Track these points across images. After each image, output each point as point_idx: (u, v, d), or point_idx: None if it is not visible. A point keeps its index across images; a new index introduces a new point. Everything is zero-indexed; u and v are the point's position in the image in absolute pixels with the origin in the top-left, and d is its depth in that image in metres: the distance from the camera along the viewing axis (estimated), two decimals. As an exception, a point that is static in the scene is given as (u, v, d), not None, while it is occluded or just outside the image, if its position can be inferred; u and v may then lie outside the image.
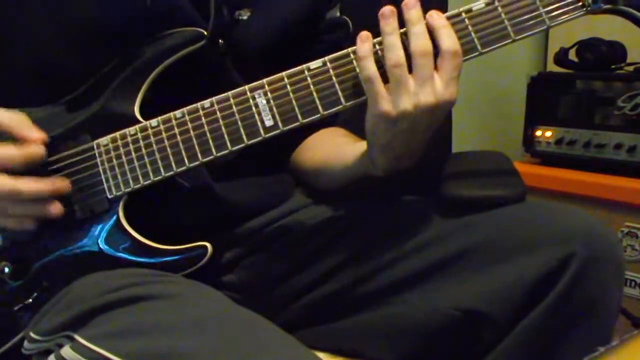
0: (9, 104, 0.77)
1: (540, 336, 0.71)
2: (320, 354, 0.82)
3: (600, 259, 0.70)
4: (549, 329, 0.70)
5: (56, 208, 0.72)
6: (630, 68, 1.55)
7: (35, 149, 0.70)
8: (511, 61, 1.91)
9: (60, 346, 0.64)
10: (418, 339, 0.78)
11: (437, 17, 0.68)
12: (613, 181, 1.45)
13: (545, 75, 1.64)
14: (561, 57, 1.63)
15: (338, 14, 0.94)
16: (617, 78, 1.49)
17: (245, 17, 0.82)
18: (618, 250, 0.73)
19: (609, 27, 1.56)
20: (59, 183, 0.72)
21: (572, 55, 1.61)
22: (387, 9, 0.68)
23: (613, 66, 1.56)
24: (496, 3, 0.68)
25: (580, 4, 0.68)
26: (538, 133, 1.60)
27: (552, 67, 1.71)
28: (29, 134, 0.71)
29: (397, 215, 0.84)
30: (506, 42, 0.69)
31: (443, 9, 0.69)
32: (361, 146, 0.77)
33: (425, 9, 0.69)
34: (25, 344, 0.68)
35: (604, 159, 1.49)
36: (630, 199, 1.41)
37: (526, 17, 0.68)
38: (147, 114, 0.75)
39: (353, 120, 0.81)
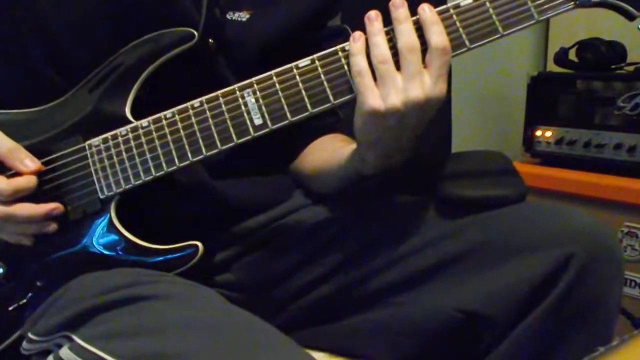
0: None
1: (541, 337, 0.71)
2: (320, 354, 0.82)
3: (600, 259, 0.70)
4: (549, 329, 0.70)
5: (51, 227, 0.73)
6: (631, 68, 1.55)
7: (25, 181, 0.72)
8: (511, 61, 1.91)
9: (60, 346, 0.65)
10: (418, 339, 0.78)
11: (428, 12, 0.68)
12: (613, 181, 1.45)
13: (545, 75, 1.64)
14: (561, 57, 1.63)
15: (339, 23, 0.94)
16: (617, 78, 1.49)
17: (244, 19, 0.82)
18: (618, 251, 0.73)
19: (609, 27, 1.56)
20: (52, 207, 0.72)
21: (572, 55, 1.61)
22: (372, 13, 0.69)
23: (613, 66, 1.56)
24: None
25: None
26: (538, 133, 1.60)
27: (552, 67, 1.71)
28: (21, 166, 0.72)
29: (396, 216, 0.84)
30: (495, 37, 0.68)
31: (441, 3, 0.69)
32: (353, 146, 0.77)
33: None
34: (24, 344, 0.69)
35: (604, 159, 1.49)
36: (630, 199, 1.41)
37: (514, 11, 0.68)
38: (138, 114, 0.75)
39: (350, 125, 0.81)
